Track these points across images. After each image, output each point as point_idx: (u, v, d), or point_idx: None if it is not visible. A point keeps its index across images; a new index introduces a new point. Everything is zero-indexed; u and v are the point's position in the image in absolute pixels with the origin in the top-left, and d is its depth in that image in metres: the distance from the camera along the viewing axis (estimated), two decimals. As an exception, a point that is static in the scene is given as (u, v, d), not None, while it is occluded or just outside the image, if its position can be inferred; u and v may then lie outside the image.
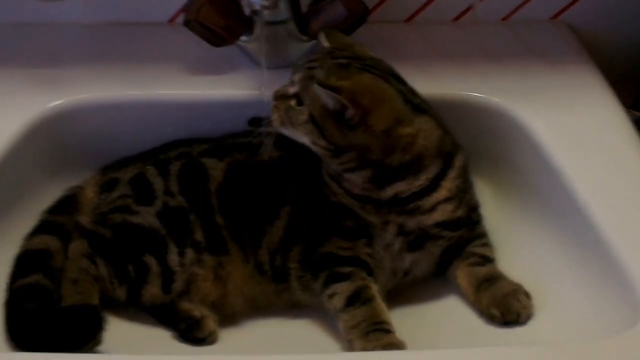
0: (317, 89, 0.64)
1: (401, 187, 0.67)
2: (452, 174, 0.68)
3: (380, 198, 0.67)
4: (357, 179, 0.67)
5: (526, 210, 0.75)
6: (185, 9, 0.77)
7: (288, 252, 0.69)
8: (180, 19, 0.80)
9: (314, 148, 0.67)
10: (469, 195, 0.70)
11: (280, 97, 0.68)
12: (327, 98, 0.64)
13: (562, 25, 0.87)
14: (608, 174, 0.69)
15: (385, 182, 0.67)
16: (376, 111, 0.64)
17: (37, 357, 0.59)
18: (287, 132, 0.68)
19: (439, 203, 0.67)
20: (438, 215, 0.68)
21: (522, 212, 0.75)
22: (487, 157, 0.77)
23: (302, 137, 0.67)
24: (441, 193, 0.67)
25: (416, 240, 0.68)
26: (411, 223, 0.68)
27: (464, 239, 0.70)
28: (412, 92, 0.69)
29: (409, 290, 0.71)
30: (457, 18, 0.88)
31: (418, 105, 0.68)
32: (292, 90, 0.67)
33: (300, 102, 0.67)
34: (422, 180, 0.67)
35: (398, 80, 0.69)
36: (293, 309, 0.71)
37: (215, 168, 0.72)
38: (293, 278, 0.69)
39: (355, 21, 0.77)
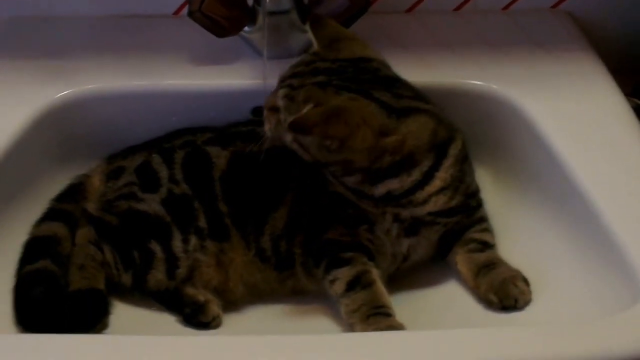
0: (290, 132, 0.64)
1: (394, 185, 0.66)
2: (447, 163, 0.67)
3: (373, 194, 0.67)
4: (349, 181, 0.68)
5: (526, 196, 0.75)
6: (189, 1, 0.77)
7: (293, 239, 0.70)
8: (185, 11, 0.80)
9: (304, 157, 0.67)
10: (465, 183, 0.70)
11: (271, 108, 0.68)
12: (303, 138, 0.64)
13: (562, 14, 0.87)
14: (607, 160, 0.69)
15: (378, 180, 0.66)
16: (354, 136, 0.63)
17: (45, 338, 0.60)
18: (277, 142, 0.68)
19: (431, 195, 0.67)
20: (431, 207, 0.68)
21: (522, 198, 0.76)
22: (487, 144, 0.77)
23: (292, 147, 0.67)
24: (435, 184, 0.67)
25: (411, 227, 0.69)
26: (405, 213, 0.68)
27: (463, 224, 0.71)
28: (398, 94, 0.67)
29: (409, 275, 0.72)
30: (457, 8, 0.88)
31: (404, 108, 0.66)
32: (279, 102, 0.67)
33: (284, 119, 0.66)
34: (416, 175, 0.66)
35: (383, 85, 0.67)
36: (296, 295, 0.71)
37: (219, 156, 0.73)
38: (297, 264, 0.70)
39: (357, 11, 0.77)
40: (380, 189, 0.67)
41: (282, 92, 0.68)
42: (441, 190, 0.67)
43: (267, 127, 0.69)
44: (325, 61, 0.69)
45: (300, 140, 0.66)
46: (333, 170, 0.67)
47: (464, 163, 0.70)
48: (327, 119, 0.63)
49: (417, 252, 0.71)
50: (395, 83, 0.69)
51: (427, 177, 0.67)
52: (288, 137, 0.66)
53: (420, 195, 0.67)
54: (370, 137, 0.64)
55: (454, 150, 0.68)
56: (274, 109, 0.68)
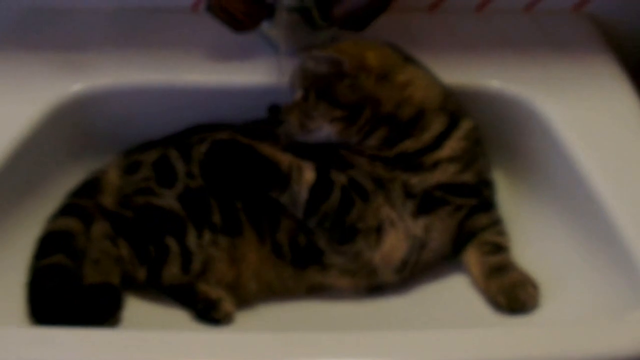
0: (309, 59, 0.69)
1: (408, 145, 0.69)
2: (458, 134, 0.70)
3: (388, 156, 0.70)
4: (373, 142, 0.70)
5: (542, 199, 0.75)
6: (207, -5, 0.78)
7: (312, 231, 0.70)
8: (203, 5, 0.80)
9: (334, 128, 0.69)
10: (478, 164, 0.71)
11: (289, 109, 0.71)
12: (321, 62, 0.69)
13: (584, 16, 0.87)
14: (623, 165, 0.69)
15: (396, 141, 0.69)
16: (366, 55, 0.69)
17: (58, 331, 0.60)
18: (308, 136, 0.71)
19: (440, 161, 0.69)
20: (440, 175, 0.69)
21: (538, 202, 0.75)
22: (504, 146, 0.77)
23: (321, 126, 0.69)
24: (444, 151, 0.69)
25: (423, 204, 0.69)
26: (414, 181, 0.69)
27: (480, 222, 0.71)
28: (408, 56, 0.73)
29: (423, 275, 0.72)
30: (479, 8, 0.88)
31: (410, 58, 0.72)
32: (296, 96, 0.71)
33: (306, 97, 0.70)
34: (427, 137, 0.69)
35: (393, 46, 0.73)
36: (310, 293, 0.71)
37: None
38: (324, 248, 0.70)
39: (378, 8, 0.77)
40: (394, 150, 0.70)
41: (295, 76, 0.72)
42: (450, 159, 0.69)
43: (292, 130, 0.71)
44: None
45: (323, 87, 0.69)
46: (363, 122, 0.69)
47: (477, 145, 0.72)
48: (338, 47, 0.70)
49: (433, 237, 0.70)
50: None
51: (438, 142, 0.69)
52: (311, 104, 0.70)
53: (430, 158, 0.69)
54: (381, 58, 0.70)
55: (466, 125, 0.71)
56: (291, 108, 0.71)
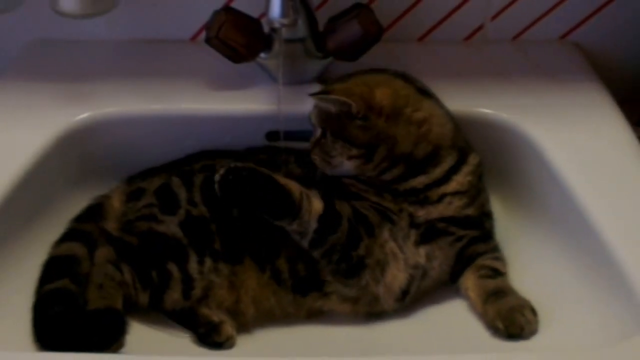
0: (318, 101, 0.69)
1: (420, 180, 0.70)
2: (466, 169, 0.71)
3: (398, 189, 0.71)
4: (388, 177, 0.71)
5: (534, 223, 0.76)
6: (206, 27, 0.79)
7: (312, 260, 0.70)
8: (202, 36, 0.82)
9: (352, 164, 0.71)
10: (482, 198, 0.72)
11: (313, 145, 0.73)
12: (329, 104, 0.69)
13: (570, 45, 0.89)
14: (613, 188, 0.70)
15: (412, 175, 0.70)
16: (374, 94, 0.69)
17: (63, 356, 0.61)
18: (333, 170, 0.73)
19: (446, 195, 0.70)
20: (444, 208, 0.70)
21: (530, 226, 0.77)
22: (497, 172, 0.79)
23: (342, 162, 0.71)
24: (451, 185, 0.70)
25: (426, 233, 0.70)
26: (420, 213, 0.70)
27: (476, 251, 0.72)
28: (422, 87, 0.73)
29: (421, 301, 0.73)
30: (468, 37, 0.90)
31: (424, 90, 0.73)
32: (317, 134, 0.72)
33: (324, 135, 0.71)
34: (438, 173, 0.70)
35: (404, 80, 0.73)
36: (310, 319, 0.72)
37: None
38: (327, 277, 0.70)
39: (370, 40, 0.79)
40: (407, 185, 0.70)
41: (313, 114, 0.73)
42: (457, 193, 0.70)
43: (320, 164, 0.73)
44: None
45: (337, 128, 0.70)
46: (379, 160, 0.70)
47: (481, 180, 0.73)
48: (347, 86, 0.70)
49: (433, 265, 0.71)
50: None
51: (446, 177, 0.70)
52: (329, 143, 0.71)
53: (436, 192, 0.70)
54: (389, 96, 0.69)
55: (473, 160, 0.72)
56: (315, 143, 0.73)
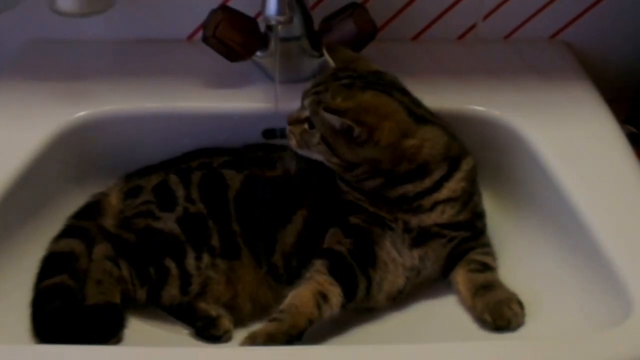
0: (324, 113, 0.68)
1: (408, 189, 0.70)
2: (458, 175, 0.71)
3: (389, 196, 0.70)
4: (369, 185, 0.71)
5: (524, 218, 0.77)
6: (203, 26, 0.80)
7: (304, 256, 0.71)
8: (199, 35, 0.83)
9: (329, 165, 0.71)
10: (473, 202, 0.72)
11: (294, 121, 0.72)
12: (334, 121, 0.68)
13: (560, 44, 0.90)
14: (602, 183, 0.71)
15: (395, 185, 0.70)
16: (381, 127, 0.67)
17: (61, 349, 0.61)
18: (304, 153, 0.72)
19: (439, 203, 0.70)
20: (437, 215, 0.70)
21: (521, 220, 0.78)
22: (488, 168, 0.79)
23: (318, 156, 0.71)
24: (442, 193, 0.70)
25: (419, 237, 0.71)
26: (414, 221, 0.70)
27: (468, 247, 0.73)
28: (415, 102, 0.72)
29: (414, 294, 0.74)
30: (461, 36, 0.91)
31: (421, 116, 0.71)
32: (304, 114, 0.71)
33: (312, 126, 0.71)
34: (427, 183, 0.70)
35: (401, 92, 0.72)
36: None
37: (234, 179, 0.75)
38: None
39: (365, 38, 0.80)
40: (395, 192, 0.70)
41: (308, 100, 0.71)
42: (449, 200, 0.70)
43: (293, 141, 0.72)
44: (346, 71, 0.73)
45: (329, 138, 0.69)
46: (359, 173, 0.70)
47: (474, 182, 0.73)
48: (357, 108, 0.67)
49: (426, 266, 0.72)
50: (411, 95, 0.73)
51: (437, 186, 0.70)
52: (315, 140, 0.70)
53: (428, 201, 0.70)
54: (394, 132, 0.68)
55: (466, 166, 0.72)
56: (298, 121, 0.72)
